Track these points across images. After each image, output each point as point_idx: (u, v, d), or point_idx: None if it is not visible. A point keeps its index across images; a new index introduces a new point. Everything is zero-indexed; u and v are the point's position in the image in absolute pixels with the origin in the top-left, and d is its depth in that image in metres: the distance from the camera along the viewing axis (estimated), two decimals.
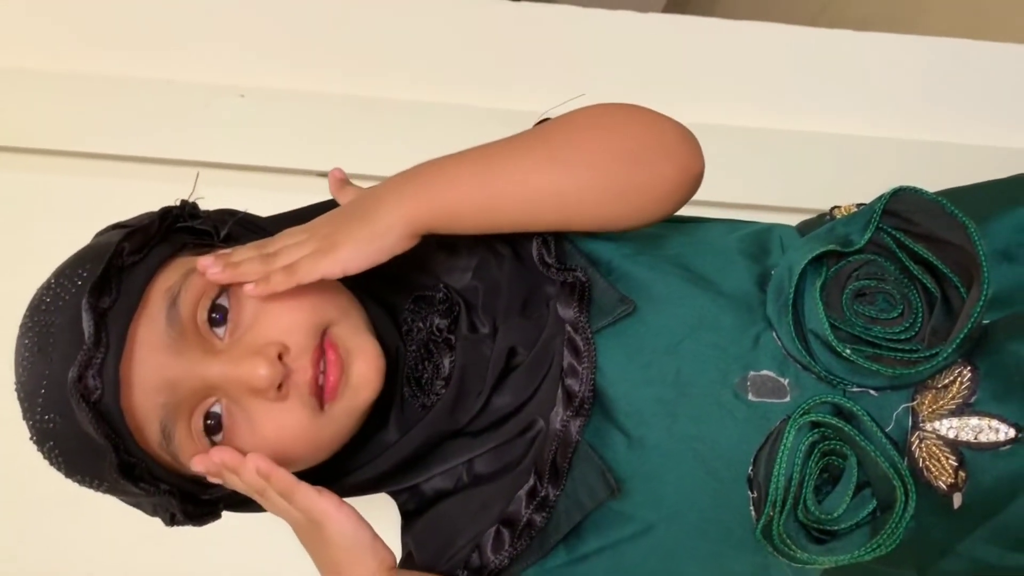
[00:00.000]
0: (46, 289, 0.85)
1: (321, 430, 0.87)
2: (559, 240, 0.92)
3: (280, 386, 0.83)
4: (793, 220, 1.01)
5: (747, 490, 0.84)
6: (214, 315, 0.86)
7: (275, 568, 1.55)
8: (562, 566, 0.89)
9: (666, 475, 0.86)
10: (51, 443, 0.83)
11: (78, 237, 0.91)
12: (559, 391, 0.87)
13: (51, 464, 0.86)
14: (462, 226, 0.88)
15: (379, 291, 0.97)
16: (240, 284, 0.85)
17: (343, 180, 0.97)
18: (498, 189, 0.87)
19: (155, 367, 0.83)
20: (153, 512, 0.93)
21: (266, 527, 1.50)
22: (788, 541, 0.81)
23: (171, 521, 0.92)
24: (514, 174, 0.87)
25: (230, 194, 1.41)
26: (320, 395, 0.86)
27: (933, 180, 0.94)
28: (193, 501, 0.91)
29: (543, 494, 0.87)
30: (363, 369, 0.87)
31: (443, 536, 0.91)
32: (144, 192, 1.51)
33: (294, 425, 0.85)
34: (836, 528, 0.81)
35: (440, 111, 1.57)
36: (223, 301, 0.86)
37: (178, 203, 0.93)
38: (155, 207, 0.93)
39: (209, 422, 0.85)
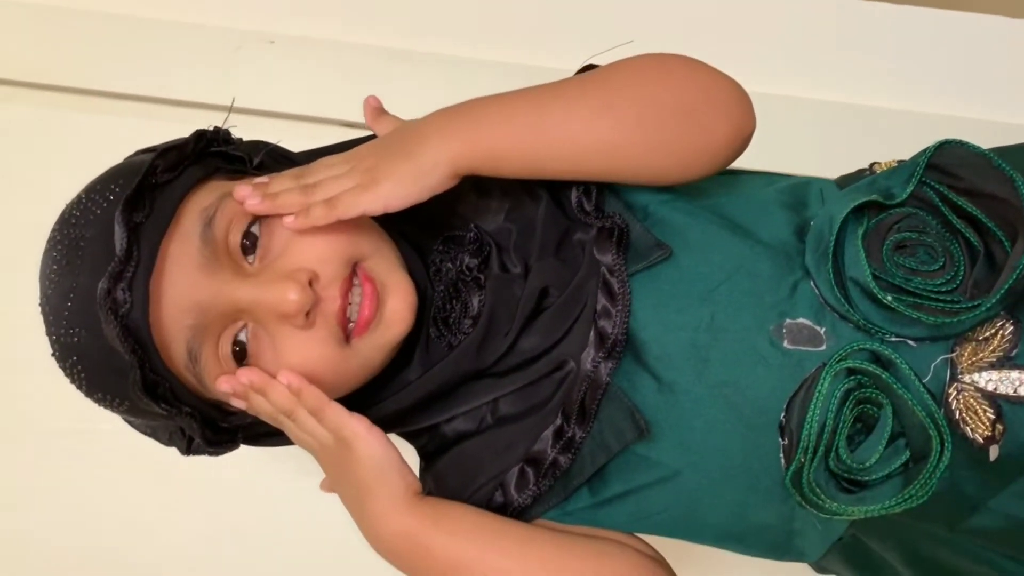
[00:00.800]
0: (76, 204, 0.85)
1: (347, 361, 0.86)
2: (599, 187, 0.90)
3: (308, 313, 0.83)
4: None
5: (778, 437, 0.83)
6: (245, 241, 0.85)
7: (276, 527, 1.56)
8: (584, 509, 0.89)
9: (695, 420, 0.85)
10: (74, 358, 0.83)
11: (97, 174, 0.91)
12: (591, 333, 0.86)
13: (72, 381, 0.85)
14: (506, 170, 0.87)
15: (408, 229, 0.96)
16: (277, 216, 0.84)
17: (379, 109, 0.96)
18: (549, 137, 0.86)
19: (186, 286, 0.82)
20: (169, 440, 0.92)
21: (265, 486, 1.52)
22: (817, 490, 0.80)
23: (187, 449, 0.91)
24: (567, 123, 0.85)
25: (256, 139, 1.41)
26: (346, 325, 0.86)
27: None
28: (213, 427, 0.90)
29: (570, 434, 0.86)
30: (397, 305, 0.87)
31: (465, 473, 0.91)
32: (172, 134, 1.51)
33: (320, 354, 0.85)
34: (867, 479, 0.80)
35: (472, 65, 1.56)
36: (255, 229, 0.85)
37: (212, 128, 0.92)
38: (230, 126, 0.93)
39: (236, 348, 0.85)
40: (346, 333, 0.86)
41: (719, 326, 0.85)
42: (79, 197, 0.86)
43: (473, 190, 0.94)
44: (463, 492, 0.90)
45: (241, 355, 0.85)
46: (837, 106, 1.60)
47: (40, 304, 0.85)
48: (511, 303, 0.89)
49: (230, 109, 0.97)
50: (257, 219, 0.85)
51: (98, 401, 0.86)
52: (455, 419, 0.93)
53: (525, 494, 0.88)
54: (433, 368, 0.90)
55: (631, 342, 0.86)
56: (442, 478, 0.92)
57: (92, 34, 1.57)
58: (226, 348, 0.84)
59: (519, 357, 0.89)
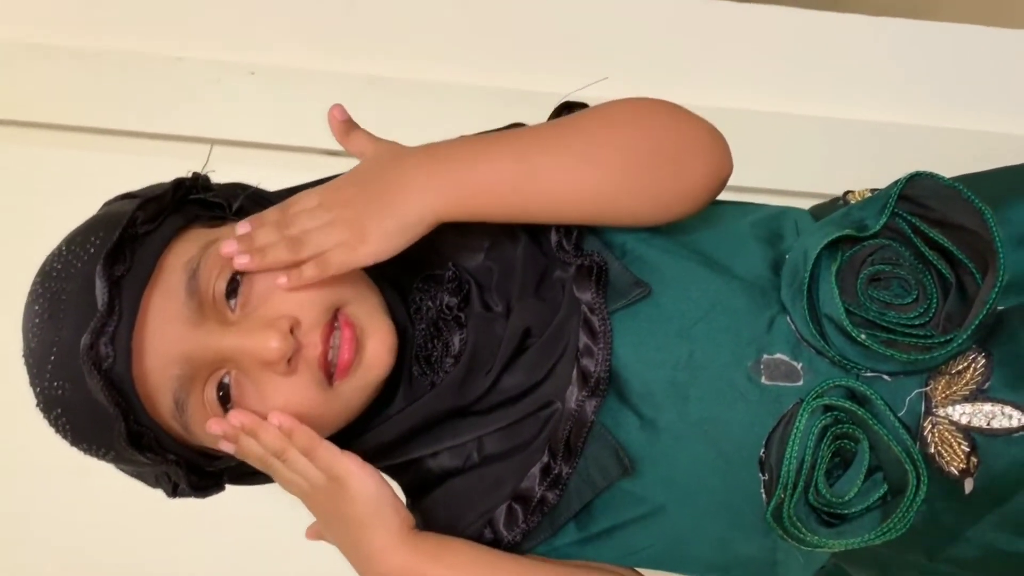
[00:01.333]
0: (57, 256, 0.85)
1: (329, 403, 0.87)
2: (579, 227, 0.91)
3: (290, 360, 0.83)
4: (804, 204, 1.00)
5: (759, 473, 0.84)
6: (230, 286, 0.86)
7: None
8: (572, 544, 0.90)
9: (678, 457, 0.86)
10: (59, 410, 0.84)
11: (87, 212, 0.91)
12: (574, 371, 0.87)
13: (57, 431, 0.86)
14: (490, 217, 0.88)
15: (388, 269, 0.96)
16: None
17: (347, 122, 0.93)
18: (534, 187, 0.87)
19: (172, 339, 0.83)
20: (155, 483, 0.93)
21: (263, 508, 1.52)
22: (798, 524, 0.81)
23: (173, 492, 0.92)
24: (551, 172, 0.87)
25: (239, 171, 1.41)
26: (328, 369, 0.86)
27: (947, 166, 0.93)
28: (198, 472, 0.91)
29: (557, 471, 0.87)
30: (377, 348, 0.88)
31: (453, 510, 0.91)
32: (154, 168, 1.51)
33: (302, 399, 0.85)
34: (847, 512, 0.81)
35: (451, 91, 1.57)
36: (238, 276, 0.86)
37: (190, 175, 0.93)
38: (208, 170, 0.93)
39: (220, 393, 0.85)
40: (328, 376, 0.87)
41: (698, 363, 0.86)
42: (59, 249, 0.86)
43: (453, 229, 0.95)
44: (452, 529, 0.90)
45: (225, 399, 0.86)
46: (821, 121, 1.61)
47: (24, 356, 0.86)
48: (493, 342, 0.90)
49: (209, 150, 0.98)
50: None
51: (84, 451, 0.87)
52: (440, 454, 0.93)
53: (514, 531, 0.88)
54: (415, 403, 0.91)
55: (614, 380, 0.87)
56: (430, 515, 0.92)
57: (68, 69, 1.57)
58: (211, 394, 0.85)
59: (502, 395, 0.90)
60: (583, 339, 0.87)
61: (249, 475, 0.94)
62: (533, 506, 0.88)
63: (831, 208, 0.96)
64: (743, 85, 1.59)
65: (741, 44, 1.60)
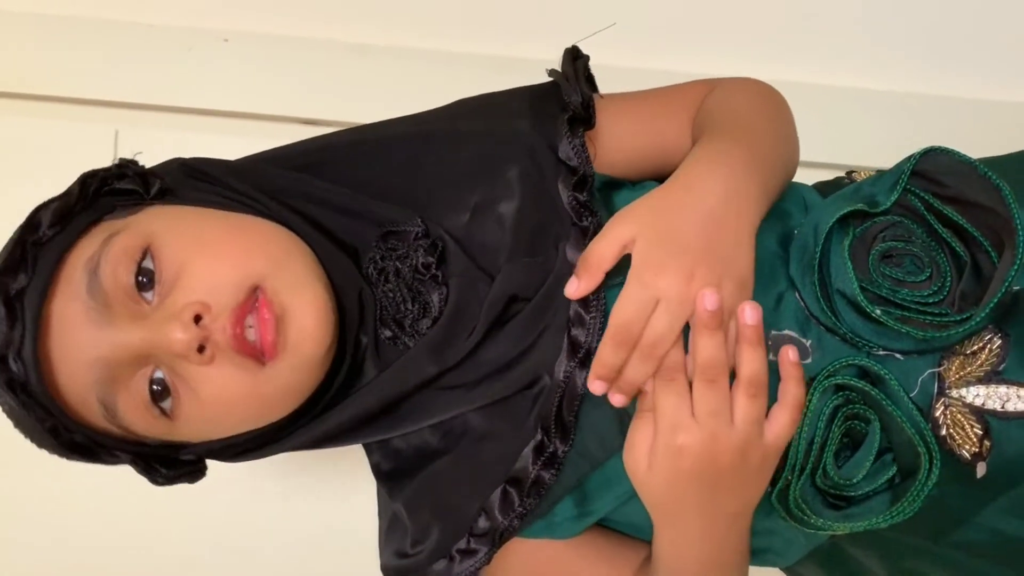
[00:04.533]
0: None
1: (265, 386, 0.81)
2: (591, 188, 0.88)
3: (203, 348, 0.78)
4: (806, 176, 0.99)
5: None
6: (141, 279, 0.80)
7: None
8: (570, 520, 0.87)
9: None
10: (13, 421, 0.82)
11: (54, 182, 0.87)
12: (564, 341, 0.83)
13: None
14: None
15: (336, 225, 0.91)
16: (160, 240, 0.81)
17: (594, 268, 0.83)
18: (785, 170, 0.89)
19: (80, 345, 0.79)
20: (144, 472, 0.89)
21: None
22: (804, 506, 0.79)
23: (155, 482, 0.89)
24: (791, 154, 0.91)
25: (212, 140, 1.37)
26: (254, 353, 0.80)
27: (954, 138, 0.92)
28: (167, 463, 0.87)
29: (551, 450, 0.84)
30: (303, 323, 0.81)
31: (443, 498, 0.87)
32: (125, 137, 1.47)
33: (231, 386, 0.80)
34: (854, 494, 0.79)
35: (425, 57, 1.53)
36: (148, 263, 0.81)
37: (115, 163, 0.88)
38: (135, 152, 0.88)
39: (155, 387, 0.80)
40: (257, 359, 0.81)
41: None
42: None
43: (439, 185, 0.91)
44: (443, 520, 0.87)
45: (162, 394, 0.80)
46: (836, 91, 1.58)
47: None
48: (475, 303, 0.86)
49: (115, 137, 0.94)
50: (146, 251, 0.81)
51: (52, 453, 0.84)
52: (421, 432, 0.89)
53: (511, 515, 0.85)
54: (386, 371, 0.86)
55: None
56: (416, 506, 0.89)
57: (36, 37, 1.52)
58: (143, 391, 0.80)
59: (487, 367, 0.86)
60: (574, 307, 0.84)
61: (235, 454, 0.90)
62: (528, 487, 0.84)
63: (835, 186, 0.94)
64: (737, 53, 1.56)
65: (732, 11, 1.57)
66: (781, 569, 0.98)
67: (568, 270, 0.83)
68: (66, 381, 0.80)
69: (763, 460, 0.77)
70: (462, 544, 0.86)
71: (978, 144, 0.94)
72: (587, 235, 0.85)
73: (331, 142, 0.95)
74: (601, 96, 0.94)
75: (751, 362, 0.76)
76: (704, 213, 0.78)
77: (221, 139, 0.95)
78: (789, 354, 0.78)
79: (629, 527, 0.89)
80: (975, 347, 0.80)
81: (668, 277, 0.76)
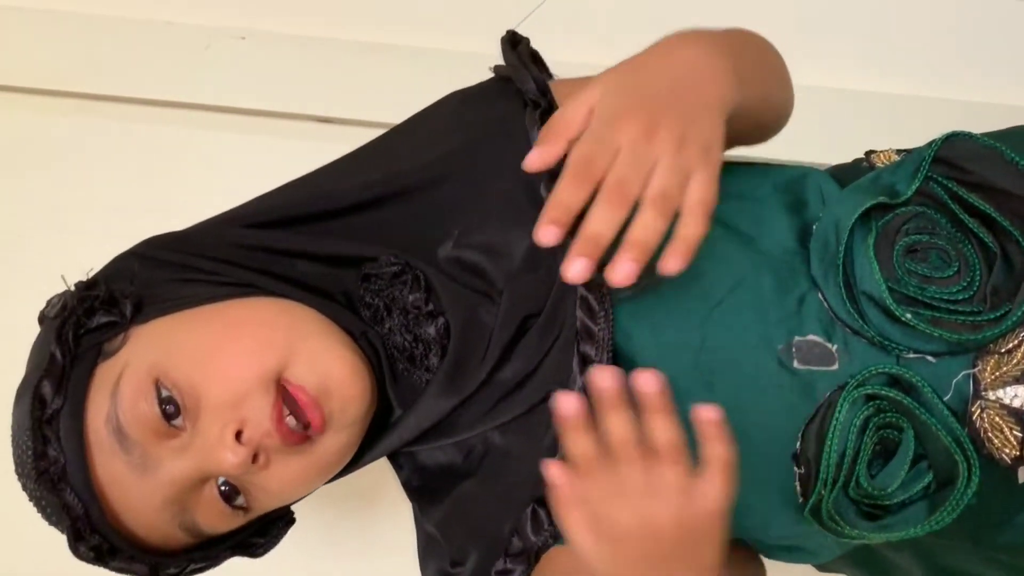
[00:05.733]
0: (14, 457, 0.82)
1: (323, 458, 0.82)
2: None
3: (256, 457, 0.78)
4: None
5: (794, 466, 0.78)
6: (166, 407, 0.78)
7: None
8: None
9: None
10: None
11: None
12: (575, 358, 0.80)
13: None
14: (745, 110, 0.77)
15: (321, 282, 0.87)
16: (163, 369, 0.78)
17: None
18: (767, 86, 0.85)
19: (142, 497, 0.79)
20: None
21: None
22: (838, 518, 0.76)
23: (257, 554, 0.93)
24: (778, 79, 0.88)
25: (228, 138, 1.36)
26: (304, 438, 0.79)
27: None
28: (260, 533, 0.91)
29: None
30: (342, 391, 0.80)
31: (473, 522, 0.85)
32: (142, 134, 1.46)
33: (294, 472, 0.81)
34: (889, 503, 0.76)
35: (441, 56, 1.53)
36: (164, 392, 0.78)
37: (74, 294, 0.83)
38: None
39: (224, 489, 0.81)
40: (306, 439, 0.80)
41: (723, 347, 0.80)
42: (13, 449, 0.81)
43: (417, 219, 0.87)
44: (478, 543, 0.85)
45: (232, 494, 0.81)
46: (831, 92, 1.56)
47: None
48: (481, 327, 0.83)
49: (63, 279, 0.90)
50: (157, 384, 0.78)
51: None
52: (445, 449, 0.87)
53: (542, 535, 0.82)
54: (411, 411, 0.84)
55: (629, 367, 0.78)
56: (448, 529, 0.87)
57: (55, 34, 1.54)
58: (215, 499, 0.81)
59: (503, 388, 0.83)
60: (581, 318, 0.80)
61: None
62: None
63: (852, 169, 0.90)
64: None
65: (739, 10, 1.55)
66: (814, 566, 0.95)
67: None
68: (147, 533, 0.81)
69: (708, 524, 0.71)
70: (499, 565, 0.84)
71: None
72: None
73: (285, 196, 0.90)
74: (554, 81, 0.90)
75: (663, 432, 0.69)
76: (675, 74, 0.72)
77: (237, 137, 0.92)
78: (701, 414, 0.70)
79: None
80: (1011, 345, 0.76)
81: (630, 123, 0.68)
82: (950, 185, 0.81)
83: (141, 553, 0.81)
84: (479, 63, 1.49)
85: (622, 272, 0.64)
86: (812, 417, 0.77)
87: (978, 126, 0.87)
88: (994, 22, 1.56)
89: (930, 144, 0.82)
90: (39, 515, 0.81)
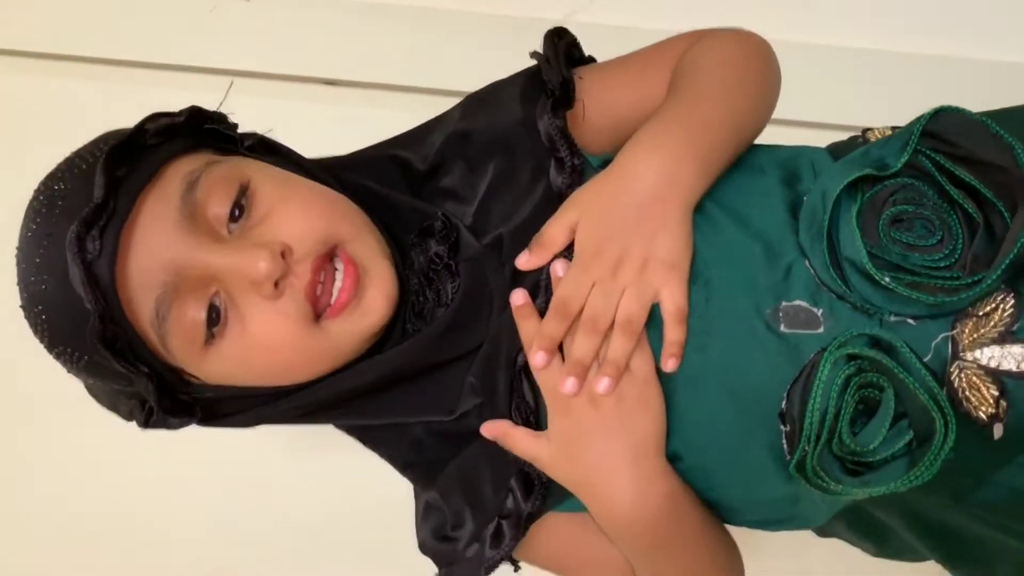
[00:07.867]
0: (64, 162, 0.84)
1: (314, 340, 0.84)
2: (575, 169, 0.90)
3: (277, 283, 0.81)
4: (820, 138, 0.97)
5: (779, 424, 0.82)
6: (235, 210, 0.83)
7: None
8: None
9: (695, 407, 0.84)
10: (39, 307, 0.81)
11: (79, 141, 0.88)
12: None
13: (35, 332, 0.83)
14: (720, 170, 0.88)
15: (388, 222, 0.94)
16: (256, 182, 0.84)
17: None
18: (741, 133, 0.89)
19: (161, 243, 0.81)
20: (129, 415, 0.89)
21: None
22: (823, 474, 0.79)
23: (146, 421, 0.87)
24: (749, 115, 0.90)
25: (234, 102, 1.38)
26: (316, 303, 0.84)
27: (968, 99, 0.90)
28: (170, 396, 0.86)
29: None
30: (377, 292, 0.86)
31: (470, 485, 0.90)
32: (147, 97, 1.48)
33: (283, 328, 0.82)
34: (871, 460, 0.79)
35: (447, 18, 1.52)
36: (244, 201, 0.84)
37: (209, 110, 0.91)
38: (229, 114, 0.90)
39: (212, 314, 0.82)
40: (317, 312, 0.84)
41: (714, 312, 0.83)
42: (67, 157, 0.85)
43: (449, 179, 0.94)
44: (473, 506, 0.89)
45: (214, 320, 0.82)
46: (846, 51, 1.57)
47: (15, 254, 0.83)
48: (484, 288, 0.89)
49: (229, 86, 0.94)
50: (244, 187, 0.83)
51: (58, 356, 0.84)
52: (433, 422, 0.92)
53: (533, 496, 0.87)
54: (393, 349, 0.89)
55: None
56: (448, 492, 0.91)
57: None
58: (200, 314, 0.82)
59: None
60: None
61: (223, 416, 0.91)
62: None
63: (850, 146, 0.92)
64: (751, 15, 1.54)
65: None
66: (813, 530, 0.99)
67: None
68: (134, 274, 0.80)
69: (640, 392, 0.83)
70: (492, 528, 0.88)
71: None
72: None
73: (364, 153, 0.99)
74: (580, 77, 0.94)
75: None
76: (636, 200, 0.83)
77: (243, 99, 0.94)
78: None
79: None
80: (988, 308, 0.79)
81: (600, 262, 0.83)
82: (937, 158, 0.83)
83: (111, 286, 0.79)
84: (484, 24, 1.51)
85: (602, 386, 0.81)
86: (797, 377, 0.81)
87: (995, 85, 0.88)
88: None
89: (919, 118, 0.84)
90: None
